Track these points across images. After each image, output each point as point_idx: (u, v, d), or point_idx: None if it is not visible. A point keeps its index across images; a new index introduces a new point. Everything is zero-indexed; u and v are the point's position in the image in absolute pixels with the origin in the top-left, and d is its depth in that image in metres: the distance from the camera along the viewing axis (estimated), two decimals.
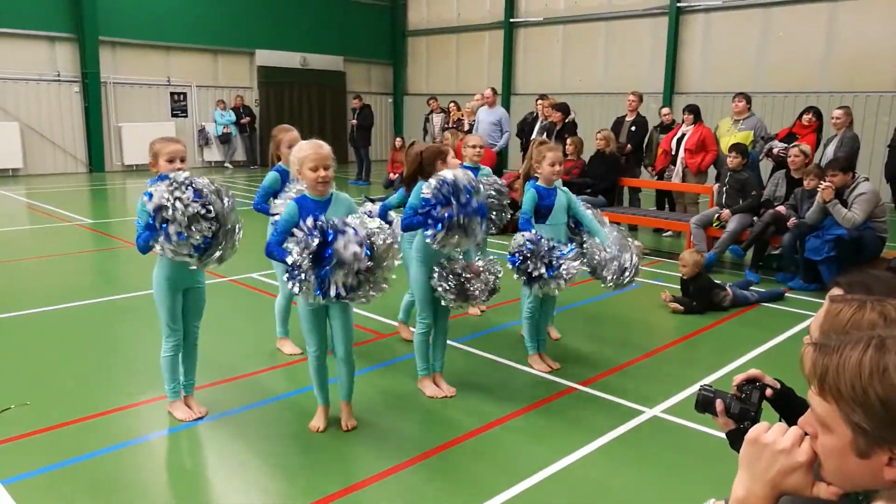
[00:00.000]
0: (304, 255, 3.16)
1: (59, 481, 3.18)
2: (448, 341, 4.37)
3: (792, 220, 6.82)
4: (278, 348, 4.84)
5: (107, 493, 3.08)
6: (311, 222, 3.20)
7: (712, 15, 14.44)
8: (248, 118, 17.68)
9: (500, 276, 4.19)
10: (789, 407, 1.78)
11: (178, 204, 3.19)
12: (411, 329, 5.18)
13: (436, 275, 3.98)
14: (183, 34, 16.74)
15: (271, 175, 4.50)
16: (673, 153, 9.12)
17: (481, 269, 4.08)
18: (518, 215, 4.49)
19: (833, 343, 1.06)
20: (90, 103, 15.67)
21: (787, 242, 6.78)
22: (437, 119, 13.28)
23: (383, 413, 3.94)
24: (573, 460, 3.41)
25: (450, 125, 12.01)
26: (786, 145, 7.84)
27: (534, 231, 4.27)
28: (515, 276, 4.25)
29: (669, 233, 9.39)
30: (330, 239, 3.17)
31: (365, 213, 3.65)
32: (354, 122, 15.17)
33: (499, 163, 10.84)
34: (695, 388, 4.06)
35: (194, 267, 3.44)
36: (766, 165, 8.92)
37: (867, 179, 6.66)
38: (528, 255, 4.14)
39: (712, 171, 9.23)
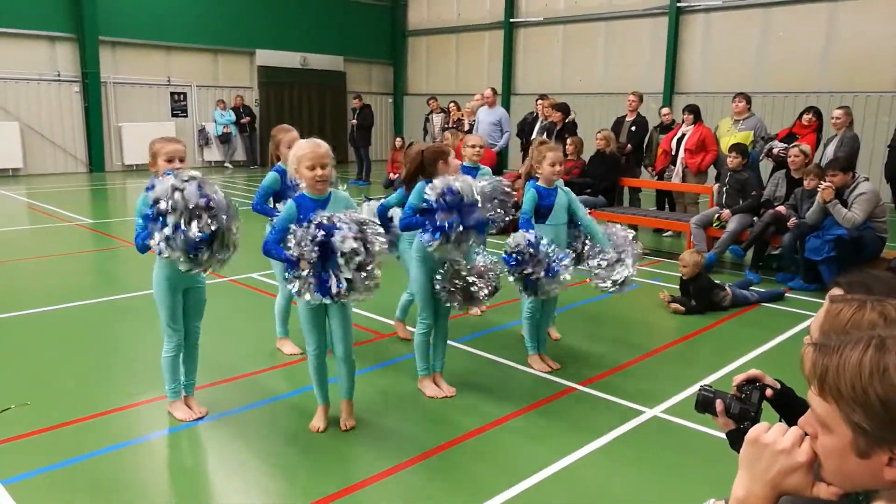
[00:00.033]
0: (311, 252, 3.17)
1: (59, 481, 3.18)
2: (448, 341, 4.37)
3: (792, 221, 6.82)
4: (278, 348, 4.84)
5: (107, 493, 3.08)
6: (306, 230, 3.20)
7: (712, 15, 14.44)
8: (248, 118, 17.68)
9: (501, 274, 4.19)
10: (789, 407, 1.78)
11: (178, 195, 3.19)
12: (408, 328, 5.19)
13: (439, 280, 3.97)
14: (183, 34, 16.74)
15: (271, 175, 4.50)
16: (673, 153, 9.12)
17: (483, 268, 4.07)
18: (518, 215, 4.49)
19: (833, 343, 1.06)
20: (90, 103, 15.67)
21: (787, 242, 6.78)
22: (437, 119, 13.28)
23: (383, 413, 3.94)
24: (573, 460, 3.41)
25: (450, 125, 12.00)
26: (786, 145, 7.84)
27: (534, 232, 4.24)
28: (510, 278, 4.23)
29: (669, 233, 9.40)
30: (328, 236, 3.19)
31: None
32: (354, 122, 15.17)
33: (499, 163, 10.84)
34: (695, 388, 4.05)
35: (184, 269, 3.39)
36: (766, 165, 8.92)
37: (867, 179, 6.66)
38: (527, 258, 4.12)
39: (712, 172, 9.23)
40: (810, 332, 1.57)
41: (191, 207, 3.18)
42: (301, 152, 3.41)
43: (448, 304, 4.04)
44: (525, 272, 4.12)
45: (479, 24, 18.52)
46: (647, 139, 9.87)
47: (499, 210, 5.00)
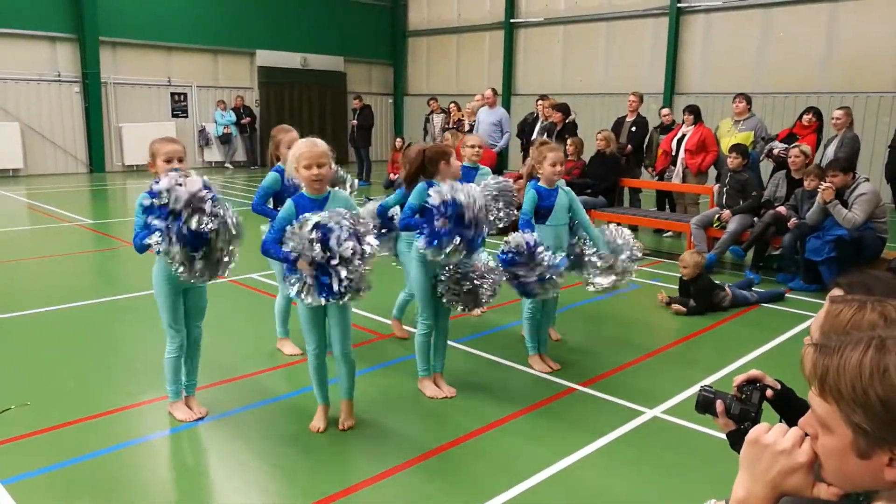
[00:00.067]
0: (314, 255, 3.18)
1: (59, 481, 3.18)
2: (448, 342, 4.37)
3: (792, 221, 6.82)
4: (278, 349, 4.84)
5: (107, 494, 3.08)
6: (300, 233, 3.21)
7: (713, 15, 14.44)
8: (248, 118, 17.68)
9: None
10: (790, 408, 1.78)
11: (182, 189, 3.21)
12: (405, 327, 5.19)
13: (443, 281, 3.97)
14: (183, 34, 16.74)
15: (271, 175, 4.50)
16: (673, 154, 9.12)
17: (485, 269, 4.05)
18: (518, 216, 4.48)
19: (833, 344, 1.06)
20: (91, 103, 15.68)
21: (787, 243, 6.78)
22: (437, 119, 13.28)
23: (383, 413, 3.94)
24: (573, 461, 3.41)
25: (450, 126, 12.00)
26: (786, 146, 7.84)
27: (534, 236, 4.19)
28: (503, 277, 4.22)
29: (670, 233, 9.39)
30: (323, 238, 3.19)
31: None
32: (355, 122, 15.17)
33: (499, 163, 10.84)
34: (695, 388, 4.06)
35: (179, 272, 3.38)
36: (766, 166, 8.92)
37: (867, 180, 6.66)
38: (522, 261, 4.10)
39: (712, 172, 9.23)
40: (810, 333, 1.57)
41: (193, 194, 3.21)
42: (298, 152, 3.42)
43: (450, 307, 4.03)
44: (517, 273, 4.11)
45: (480, 25, 18.53)
46: (647, 140, 9.87)
47: (505, 210, 5.01)
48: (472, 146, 5.38)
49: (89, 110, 15.72)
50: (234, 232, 3.42)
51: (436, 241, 3.69)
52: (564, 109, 9.84)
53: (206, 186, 3.32)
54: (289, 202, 3.46)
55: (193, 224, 3.21)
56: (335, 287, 3.24)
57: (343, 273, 3.21)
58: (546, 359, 4.64)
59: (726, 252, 7.40)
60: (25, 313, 5.62)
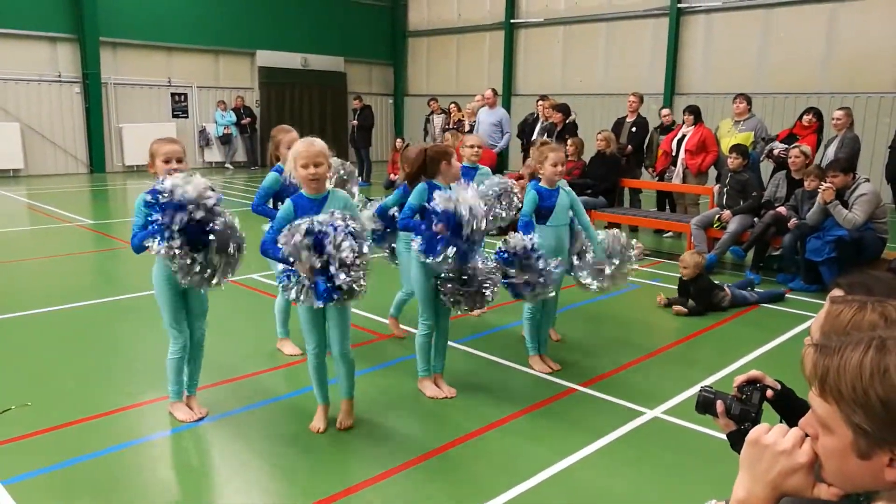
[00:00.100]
0: (313, 261, 3.18)
1: (59, 481, 3.18)
2: (448, 342, 4.37)
3: (793, 221, 6.82)
4: (278, 349, 4.84)
5: (107, 494, 3.08)
6: (294, 238, 3.21)
7: (713, 16, 14.44)
8: (248, 119, 17.68)
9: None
10: (790, 408, 1.78)
11: (188, 187, 3.23)
12: (403, 327, 5.19)
13: (444, 285, 3.97)
14: (184, 35, 16.74)
15: (271, 176, 4.50)
16: (673, 154, 9.12)
17: (486, 269, 4.04)
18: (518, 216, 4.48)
19: (834, 344, 1.06)
20: (91, 104, 15.68)
21: (787, 243, 6.78)
22: (437, 120, 13.28)
23: (383, 413, 3.94)
24: (573, 461, 3.41)
25: (450, 126, 12.01)
26: (786, 146, 7.84)
27: (534, 238, 4.19)
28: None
29: (670, 234, 9.39)
30: (317, 243, 3.20)
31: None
32: (355, 122, 15.17)
33: (499, 163, 10.85)
34: (695, 388, 4.06)
35: (179, 275, 3.37)
36: (766, 166, 8.92)
37: (868, 180, 6.65)
38: (518, 263, 4.10)
39: (713, 172, 9.24)
40: (811, 333, 1.57)
41: (200, 193, 3.23)
42: (295, 151, 3.42)
43: (452, 307, 4.03)
44: (508, 274, 4.11)
45: (480, 25, 18.53)
46: (647, 140, 9.87)
47: (506, 210, 5.01)
48: (472, 146, 5.38)
49: (90, 111, 15.72)
50: (237, 236, 3.43)
51: (430, 247, 3.69)
52: (564, 110, 9.84)
53: (211, 189, 3.34)
54: (287, 202, 3.46)
55: (199, 216, 3.23)
56: (332, 288, 3.24)
57: (341, 276, 3.21)
58: (546, 359, 4.64)
59: (726, 252, 7.40)
60: (26, 313, 5.62)
